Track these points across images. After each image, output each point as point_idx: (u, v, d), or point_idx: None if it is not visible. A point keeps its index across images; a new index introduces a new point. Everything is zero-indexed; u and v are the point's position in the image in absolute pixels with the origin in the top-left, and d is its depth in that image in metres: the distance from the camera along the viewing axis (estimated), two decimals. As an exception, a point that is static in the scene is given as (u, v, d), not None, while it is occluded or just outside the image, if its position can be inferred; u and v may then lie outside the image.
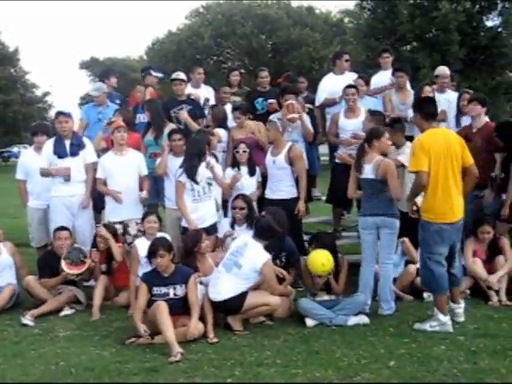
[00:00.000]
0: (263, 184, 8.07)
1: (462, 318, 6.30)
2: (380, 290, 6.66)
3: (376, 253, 6.69)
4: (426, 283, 6.38)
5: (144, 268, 6.71)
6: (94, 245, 7.42)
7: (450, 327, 6.05)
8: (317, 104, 9.22)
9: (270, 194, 7.87)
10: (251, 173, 7.95)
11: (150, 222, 7.15)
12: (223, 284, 6.17)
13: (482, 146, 7.61)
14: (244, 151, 7.91)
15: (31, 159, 8.51)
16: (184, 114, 8.57)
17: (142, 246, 6.85)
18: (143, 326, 5.80)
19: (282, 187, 7.77)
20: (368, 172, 6.54)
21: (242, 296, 6.14)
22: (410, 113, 7.84)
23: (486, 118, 8.03)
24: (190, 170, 7.13)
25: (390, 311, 6.58)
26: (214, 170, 7.23)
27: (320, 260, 6.39)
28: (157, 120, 8.39)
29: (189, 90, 9.29)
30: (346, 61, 9.48)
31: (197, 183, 7.14)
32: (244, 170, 7.94)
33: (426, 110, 6.23)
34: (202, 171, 7.19)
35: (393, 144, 7.41)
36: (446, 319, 6.06)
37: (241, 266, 6.19)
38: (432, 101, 6.59)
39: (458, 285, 6.39)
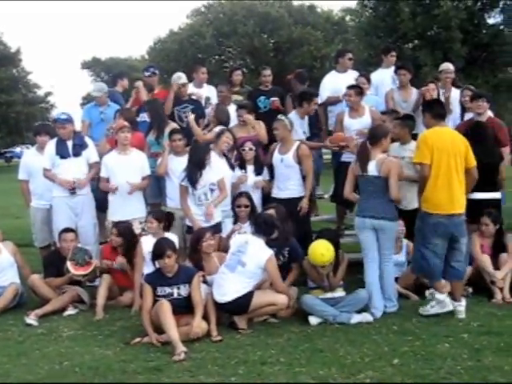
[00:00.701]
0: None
1: (463, 315, 6.33)
2: (382, 289, 6.61)
3: (377, 250, 6.61)
4: (419, 270, 6.67)
5: (148, 265, 6.77)
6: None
7: (449, 304, 6.34)
8: (319, 102, 9.18)
9: (277, 192, 7.83)
10: (258, 172, 7.93)
11: (148, 222, 7.21)
12: (229, 285, 6.16)
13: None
14: (250, 149, 7.90)
15: (34, 159, 8.51)
16: (191, 117, 8.51)
17: (147, 243, 6.92)
18: (155, 334, 5.80)
19: (290, 186, 7.73)
20: (371, 169, 6.52)
21: (249, 296, 6.13)
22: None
23: (489, 113, 8.04)
24: (190, 178, 7.18)
25: (394, 309, 6.57)
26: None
27: (319, 250, 6.37)
28: (157, 120, 8.40)
29: (191, 89, 9.29)
30: (349, 59, 9.49)
31: (196, 189, 7.19)
32: (250, 168, 7.93)
33: (436, 111, 6.53)
34: (206, 177, 7.21)
35: (398, 139, 7.43)
36: (443, 297, 6.34)
37: (245, 263, 6.19)
38: (441, 103, 6.93)
39: (459, 279, 6.49)
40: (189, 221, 7.33)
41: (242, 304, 6.13)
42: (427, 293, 6.89)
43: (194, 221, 7.20)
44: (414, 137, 7.43)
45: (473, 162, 6.36)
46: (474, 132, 7.23)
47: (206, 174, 7.21)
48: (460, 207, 6.29)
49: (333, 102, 9.08)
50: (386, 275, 6.63)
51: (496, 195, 7.48)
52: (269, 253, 6.26)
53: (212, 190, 7.29)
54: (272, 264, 6.27)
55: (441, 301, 6.36)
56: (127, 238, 7.36)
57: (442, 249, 6.32)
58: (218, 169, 7.38)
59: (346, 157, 8.16)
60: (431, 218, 6.27)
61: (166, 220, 7.36)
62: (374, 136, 6.70)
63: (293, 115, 8.22)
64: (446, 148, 6.22)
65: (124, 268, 7.28)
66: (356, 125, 8.12)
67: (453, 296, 6.46)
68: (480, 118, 7.86)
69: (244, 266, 6.19)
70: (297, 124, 8.08)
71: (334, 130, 8.57)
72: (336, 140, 8.00)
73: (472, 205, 6.60)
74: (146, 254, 6.93)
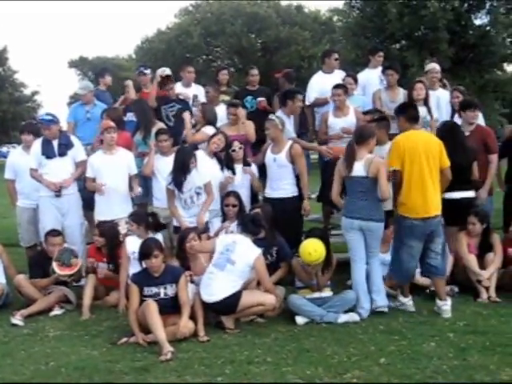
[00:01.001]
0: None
1: (448, 315, 6.39)
2: (371, 284, 6.56)
3: (364, 250, 6.60)
4: (392, 270, 6.80)
5: (133, 265, 6.85)
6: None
7: (412, 307, 6.64)
8: (307, 103, 9.18)
9: (270, 192, 7.83)
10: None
11: (129, 225, 7.25)
12: (217, 284, 6.14)
13: (479, 149, 7.73)
14: (240, 148, 7.90)
15: (20, 158, 8.47)
16: (187, 117, 8.43)
17: (132, 243, 6.97)
18: (142, 334, 5.79)
19: (283, 185, 7.73)
20: (359, 169, 6.49)
21: (237, 296, 6.12)
22: None
23: (480, 120, 8.06)
24: (175, 182, 7.21)
25: (384, 303, 6.51)
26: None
27: (307, 249, 6.38)
28: (143, 120, 8.39)
29: (179, 89, 9.27)
30: (336, 59, 9.50)
31: (182, 193, 7.23)
32: (238, 167, 7.90)
33: (410, 114, 6.73)
34: (192, 180, 7.24)
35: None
36: (405, 300, 6.68)
37: (234, 262, 6.19)
38: (415, 106, 7.16)
39: (439, 275, 6.60)
40: (176, 222, 7.35)
41: (230, 304, 6.12)
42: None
43: (182, 222, 7.22)
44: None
45: (446, 163, 6.52)
46: (445, 132, 7.37)
47: (192, 177, 7.22)
48: (435, 209, 6.43)
49: (320, 103, 9.07)
50: (374, 272, 6.61)
51: (469, 194, 7.54)
52: (257, 251, 6.29)
53: (198, 194, 7.33)
54: (260, 262, 6.29)
55: (404, 303, 6.68)
56: (110, 238, 7.33)
57: (417, 252, 6.50)
58: (204, 172, 7.39)
59: None
60: (407, 221, 6.42)
61: (152, 221, 7.34)
62: (362, 136, 6.69)
63: (279, 115, 8.21)
64: (417, 151, 6.37)
65: (109, 277, 7.25)
66: (341, 124, 8.13)
67: (437, 295, 6.54)
68: (471, 128, 7.91)
69: (233, 265, 6.19)
70: (287, 123, 8.07)
71: (319, 129, 8.58)
72: (336, 152, 7.95)
73: (446, 205, 6.67)
74: (131, 253, 6.97)
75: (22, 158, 8.38)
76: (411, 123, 6.68)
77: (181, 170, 7.18)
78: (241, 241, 6.37)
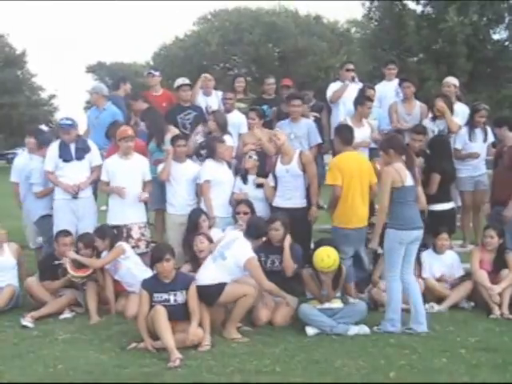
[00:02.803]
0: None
1: None
2: (413, 309, 6.37)
3: None
4: None
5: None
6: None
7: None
8: (329, 100, 9.43)
9: (281, 202, 7.72)
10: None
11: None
12: (207, 271, 6.23)
13: (508, 165, 7.68)
14: (250, 157, 7.90)
15: (25, 162, 8.56)
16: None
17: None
18: (151, 340, 5.79)
19: (294, 196, 7.68)
20: (411, 179, 6.37)
21: (221, 286, 6.13)
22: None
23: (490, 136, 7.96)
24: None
25: (424, 328, 6.29)
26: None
27: (320, 256, 6.36)
28: (153, 128, 8.38)
29: (200, 99, 9.43)
30: (347, 70, 9.51)
31: None
32: (251, 178, 7.91)
33: (344, 136, 7.24)
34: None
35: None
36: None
37: (225, 257, 6.23)
38: (350, 129, 7.49)
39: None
40: None
41: (213, 292, 6.10)
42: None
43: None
44: None
45: (374, 180, 7.16)
46: (434, 145, 7.86)
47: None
48: (363, 222, 7.13)
49: (340, 94, 9.21)
50: (417, 295, 6.43)
51: (451, 205, 8.00)
52: (249, 255, 6.28)
53: None
54: (252, 265, 6.27)
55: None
56: (94, 247, 7.25)
57: (349, 258, 7.07)
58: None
59: None
60: (343, 231, 7.05)
61: (117, 234, 7.35)
62: (403, 146, 6.62)
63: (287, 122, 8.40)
64: (353, 170, 7.00)
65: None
66: (360, 134, 8.04)
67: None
68: (507, 141, 7.88)
69: (224, 260, 6.23)
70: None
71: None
72: None
73: (432, 216, 6.86)
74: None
75: (27, 161, 8.47)
76: (344, 145, 7.19)
77: (193, 232, 7.24)
78: (241, 241, 6.41)
